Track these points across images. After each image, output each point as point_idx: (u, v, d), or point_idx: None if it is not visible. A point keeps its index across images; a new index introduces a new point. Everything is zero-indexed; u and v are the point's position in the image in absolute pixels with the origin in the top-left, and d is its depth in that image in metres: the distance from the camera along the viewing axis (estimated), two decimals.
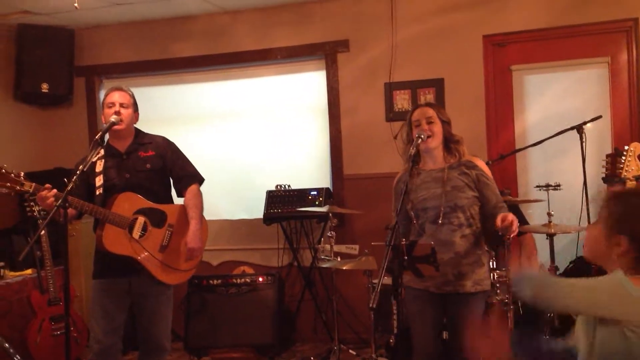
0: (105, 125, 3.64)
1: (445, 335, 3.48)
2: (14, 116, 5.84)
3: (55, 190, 3.28)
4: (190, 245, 3.68)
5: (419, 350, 3.39)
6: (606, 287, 1.99)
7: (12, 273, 5.07)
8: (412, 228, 3.42)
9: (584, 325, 2.05)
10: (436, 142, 3.38)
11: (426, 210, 3.33)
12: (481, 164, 3.44)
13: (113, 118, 3.61)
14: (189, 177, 3.82)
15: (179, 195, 3.86)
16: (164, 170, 3.78)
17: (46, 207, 3.28)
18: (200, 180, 3.87)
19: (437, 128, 3.38)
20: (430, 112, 3.40)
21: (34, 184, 3.30)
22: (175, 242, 3.71)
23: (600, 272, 2.19)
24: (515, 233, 3.16)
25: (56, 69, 5.77)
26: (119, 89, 3.75)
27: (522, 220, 4.68)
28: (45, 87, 5.68)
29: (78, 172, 3.21)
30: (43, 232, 4.60)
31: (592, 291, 2.00)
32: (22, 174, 3.30)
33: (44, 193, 3.28)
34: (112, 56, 6.04)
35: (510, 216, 3.12)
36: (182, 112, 5.98)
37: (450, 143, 3.42)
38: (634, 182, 3.93)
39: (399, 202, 3.25)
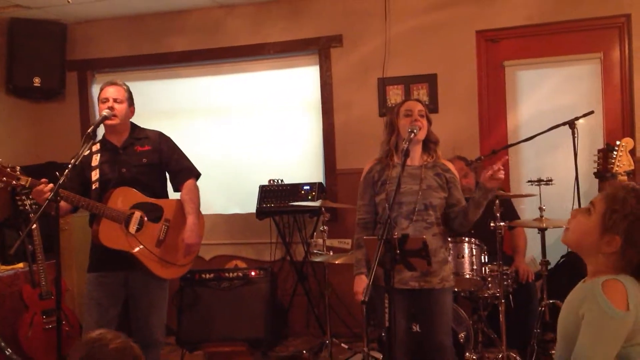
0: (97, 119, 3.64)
1: (415, 327, 3.53)
2: (6, 110, 5.81)
3: (51, 185, 3.27)
4: (188, 241, 3.68)
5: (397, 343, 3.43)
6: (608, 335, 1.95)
7: (4, 267, 5.02)
8: (378, 219, 3.46)
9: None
10: (423, 135, 3.44)
11: (401, 205, 3.37)
12: (454, 169, 3.55)
13: (105, 112, 3.60)
14: (186, 171, 3.82)
15: (176, 190, 3.85)
16: (160, 165, 3.78)
17: (41, 202, 3.25)
18: (196, 175, 3.87)
19: (425, 123, 3.46)
20: (421, 106, 3.49)
21: (30, 179, 3.30)
22: (171, 236, 3.71)
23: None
24: (501, 175, 3.16)
25: (48, 63, 5.74)
26: (114, 83, 3.73)
27: (514, 215, 4.72)
28: (37, 81, 5.65)
29: (70, 165, 3.20)
30: (35, 225, 4.58)
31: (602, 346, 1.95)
32: (19, 168, 3.31)
33: (40, 187, 3.28)
34: (105, 50, 6.01)
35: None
36: (174, 107, 5.96)
37: (430, 142, 3.51)
38: (625, 177, 3.97)
39: (368, 193, 3.46)
